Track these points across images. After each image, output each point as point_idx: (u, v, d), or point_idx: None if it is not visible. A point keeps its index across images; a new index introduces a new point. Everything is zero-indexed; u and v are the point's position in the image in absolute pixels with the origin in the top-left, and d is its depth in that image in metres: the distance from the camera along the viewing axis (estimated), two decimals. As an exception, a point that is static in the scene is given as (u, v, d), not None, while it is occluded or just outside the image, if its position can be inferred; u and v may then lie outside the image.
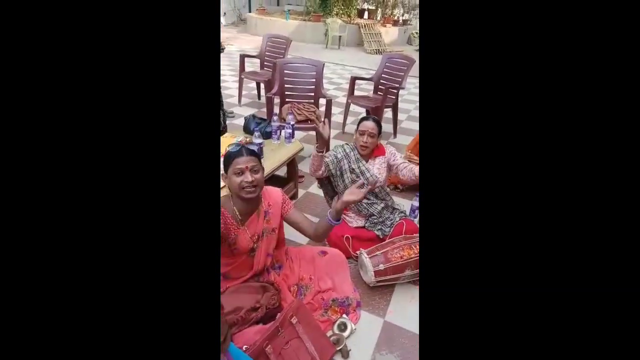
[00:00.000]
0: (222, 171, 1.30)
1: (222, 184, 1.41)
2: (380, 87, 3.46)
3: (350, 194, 1.25)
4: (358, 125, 1.83)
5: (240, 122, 3.16)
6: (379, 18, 10.12)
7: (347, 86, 4.01)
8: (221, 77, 5.09)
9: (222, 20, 10.49)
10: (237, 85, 4.16)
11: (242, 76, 3.94)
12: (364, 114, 3.13)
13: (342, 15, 9.36)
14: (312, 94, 2.94)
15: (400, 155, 1.89)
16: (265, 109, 3.42)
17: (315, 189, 2.52)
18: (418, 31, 10.35)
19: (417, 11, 10.95)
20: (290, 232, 1.62)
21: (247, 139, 2.01)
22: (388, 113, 3.54)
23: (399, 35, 9.90)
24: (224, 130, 2.54)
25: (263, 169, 1.31)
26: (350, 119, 3.62)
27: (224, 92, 4.30)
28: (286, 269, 1.57)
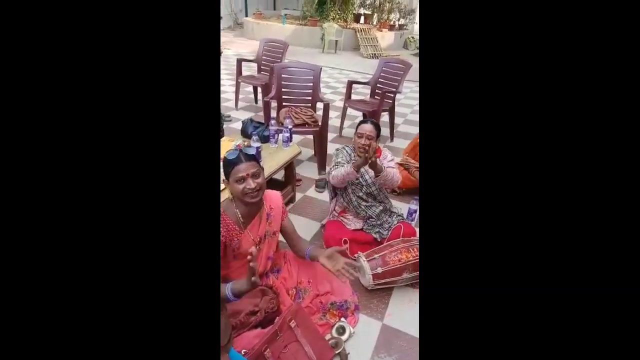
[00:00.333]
0: (222, 177, 1.30)
1: (222, 186, 1.41)
2: (377, 91, 3.48)
3: (328, 260, 1.34)
4: (357, 128, 1.84)
5: (237, 125, 3.16)
6: (375, 23, 10.20)
7: (344, 90, 4.03)
8: (218, 81, 5.08)
9: (219, 24, 10.48)
10: (233, 89, 4.16)
11: (239, 80, 3.95)
12: (361, 118, 3.15)
13: (339, 20, 9.41)
14: (310, 98, 2.95)
15: (392, 159, 1.89)
16: (262, 113, 3.43)
17: (313, 193, 2.52)
18: (414, 36, 10.45)
19: (412, 16, 11.04)
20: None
21: (246, 143, 2.01)
22: (385, 117, 3.56)
23: (395, 40, 9.98)
24: (222, 134, 2.55)
25: (263, 169, 1.31)
26: (347, 123, 3.64)
27: (220, 95, 4.30)
28: (284, 273, 1.57)
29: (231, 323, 1.26)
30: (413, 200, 2.20)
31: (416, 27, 11.83)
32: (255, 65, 4.17)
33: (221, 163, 1.29)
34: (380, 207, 1.91)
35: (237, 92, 4.08)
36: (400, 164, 2.53)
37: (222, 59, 6.45)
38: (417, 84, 6.29)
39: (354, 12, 9.98)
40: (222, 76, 5.55)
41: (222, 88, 4.89)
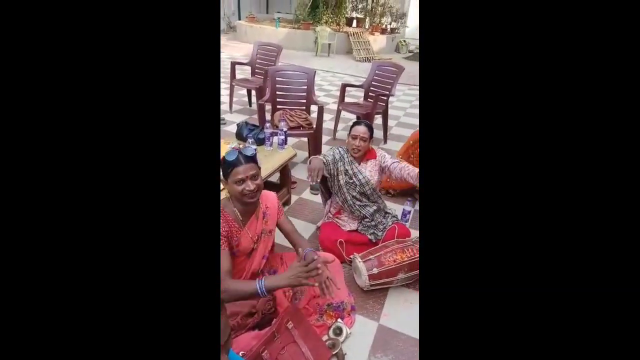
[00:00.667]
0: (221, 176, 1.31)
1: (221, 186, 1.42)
2: (370, 94, 3.51)
3: (291, 269, 1.19)
4: (350, 129, 1.87)
5: (232, 128, 3.16)
6: (367, 26, 10.27)
7: (337, 93, 4.05)
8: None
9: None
10: (227, 92, 4.16)
11: (233, 83, 3.95)
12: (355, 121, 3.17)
13: (332, 24, 9.45)
14: (304, 100, 2.97)
15: (390, 157, 1.92)
16: (256, 116, 3.43)
17: (308, 195, 2.53)
18: (406, 39, 10.55)
19: (404, 20, 11.13)
20: (282, 237, 1.62)
21: (242, 145, 2.02)
22: (378, 120, 3.59)
23: (387, 43, 10.05)
24: (217, 137, 2.54)
25: (260, 168, 1.33)
26: (341, 125, 3.66)
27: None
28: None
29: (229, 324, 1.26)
30: (407, 201, 2.22)
31: (407, 30, 11.95)
32: (248, 68, 4.17)
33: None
34: (374, 207, 1.93)
35: (231, 95, 4.07)
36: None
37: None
38: (410, 86, 6.36)
39: (347, 15, 10.04)
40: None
41: (215, 91, 4.88)
